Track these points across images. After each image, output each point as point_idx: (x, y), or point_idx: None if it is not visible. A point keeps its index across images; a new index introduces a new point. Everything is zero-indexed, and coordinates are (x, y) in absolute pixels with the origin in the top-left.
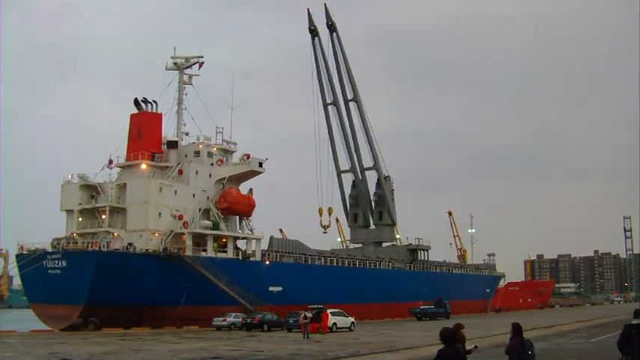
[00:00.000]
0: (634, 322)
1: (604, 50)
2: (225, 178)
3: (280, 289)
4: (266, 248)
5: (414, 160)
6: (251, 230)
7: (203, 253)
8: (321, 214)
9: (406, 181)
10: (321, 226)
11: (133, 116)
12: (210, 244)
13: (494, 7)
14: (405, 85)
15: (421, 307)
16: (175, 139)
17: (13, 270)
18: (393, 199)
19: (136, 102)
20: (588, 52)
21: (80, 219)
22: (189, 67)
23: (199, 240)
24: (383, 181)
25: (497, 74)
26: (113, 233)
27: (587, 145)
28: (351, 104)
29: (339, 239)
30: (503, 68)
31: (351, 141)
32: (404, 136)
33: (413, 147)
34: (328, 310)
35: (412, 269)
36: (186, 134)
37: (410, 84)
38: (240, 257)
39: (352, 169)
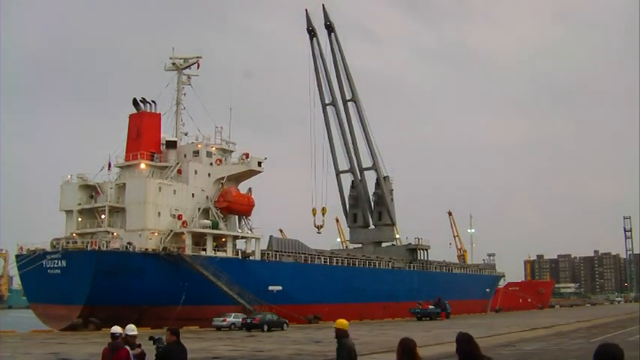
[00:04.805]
0: None
1: (604, 57)
2: (224, 177)
3: (280, 288)
4: (265, 248)
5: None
6: (250, 230)
7: (202, 253)
8: (314, 214)
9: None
10: (315, 226)
11: (131, 116)
12: (210, 244)
13: None
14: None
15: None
16: (174, 138)
17: (13, 270)
18: (392, 199)
19: (135, 102)
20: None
21: (79, 219)
22: (188, 67)
23: (199, 239)
24: (382, 181)
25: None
26: (112, 233)
27: (588, 145)
28: (350, 104)
29: (338, 239)
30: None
31: (350, 141)
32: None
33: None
34: None
35: (412, 269)
36: (185, 134)
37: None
38: (240, 257)
39: (351, 170)
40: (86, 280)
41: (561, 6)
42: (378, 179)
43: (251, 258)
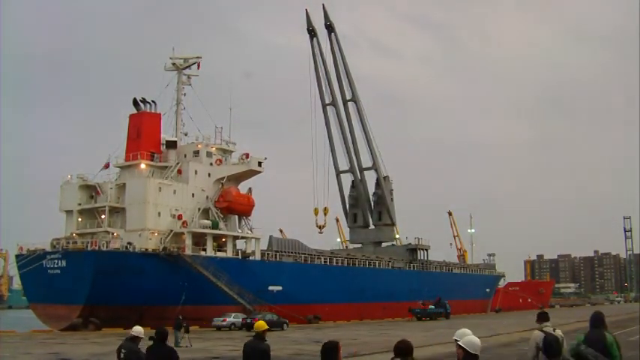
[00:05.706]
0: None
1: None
2: (224, 177)
3: (280, 288)
4: (265, 248)
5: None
6: (250, 230)
7: (202, 253)
8: (316, 214)
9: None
10: (317, 226)
11: (131, 116)
12: (210, 244)
13: None
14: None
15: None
16: (174, 139)
17: (13, 270)
18: (392, 199)
19: (135, 102)
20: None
21: (80, 219)
22: (188, 67)
23: (199, 239)
24: (382, 181)
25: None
26: (112, 233)
27: (588, 145)
28: (350, 104)
29: (338, 239)
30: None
31: (350, 141)
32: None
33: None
34: None
35: (412, 269)
36: (185, 134)
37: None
38: (240, 257)
39: (351, 170)
40: (86, 280)
41: (563, 13)
42: (378, 179)
43: (251, 258)
